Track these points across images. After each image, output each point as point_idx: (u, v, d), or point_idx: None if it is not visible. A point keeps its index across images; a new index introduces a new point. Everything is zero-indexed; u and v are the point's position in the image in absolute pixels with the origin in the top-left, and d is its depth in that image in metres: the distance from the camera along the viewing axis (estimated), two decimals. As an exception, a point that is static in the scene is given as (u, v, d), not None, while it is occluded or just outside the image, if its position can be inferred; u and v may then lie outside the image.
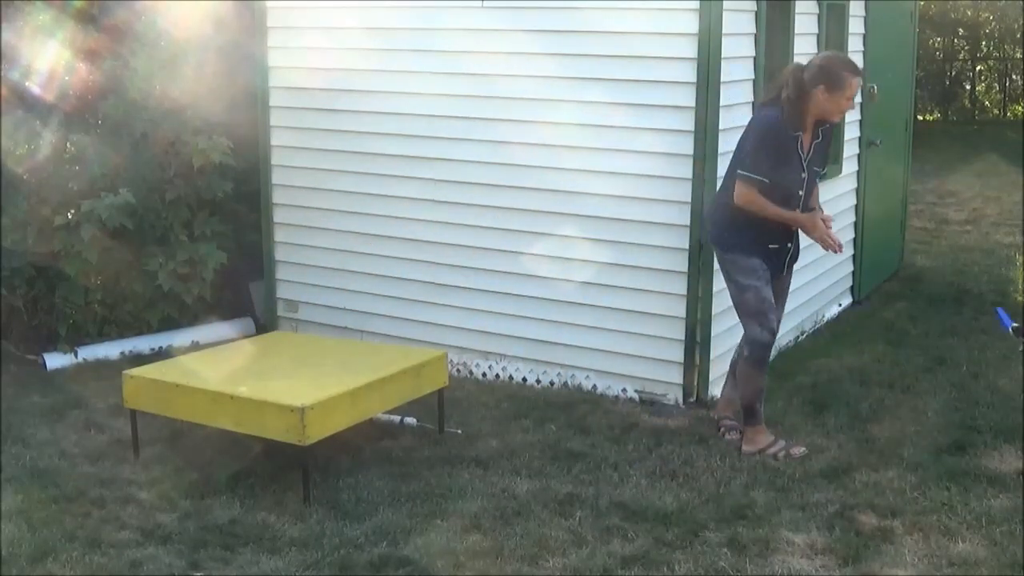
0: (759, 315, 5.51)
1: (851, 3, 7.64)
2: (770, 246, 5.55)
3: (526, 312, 6.69)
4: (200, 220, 7.44)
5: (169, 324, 7.45)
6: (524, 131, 6.50)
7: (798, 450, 5.57)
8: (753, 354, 5.58)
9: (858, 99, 8.07)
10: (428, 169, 6.84)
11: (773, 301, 5.57)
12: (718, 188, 5.77)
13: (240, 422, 5.26)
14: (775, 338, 5.61)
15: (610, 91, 6.22)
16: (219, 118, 7.21)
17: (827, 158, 5.78)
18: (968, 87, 21.36)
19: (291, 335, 7.02)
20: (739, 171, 5.39)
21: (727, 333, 6.46)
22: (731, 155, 5.67)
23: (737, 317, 5.69)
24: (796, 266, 7.75)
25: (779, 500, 5.10)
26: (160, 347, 7.30)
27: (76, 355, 7.13)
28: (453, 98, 6.70)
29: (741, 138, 5.57)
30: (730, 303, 6.44)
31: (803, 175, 5.46)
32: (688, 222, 6.13)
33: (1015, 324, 5.46)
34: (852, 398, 6.34)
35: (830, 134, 5.62)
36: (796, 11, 6.79)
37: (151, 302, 7.35)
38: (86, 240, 6.81)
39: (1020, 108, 20.91)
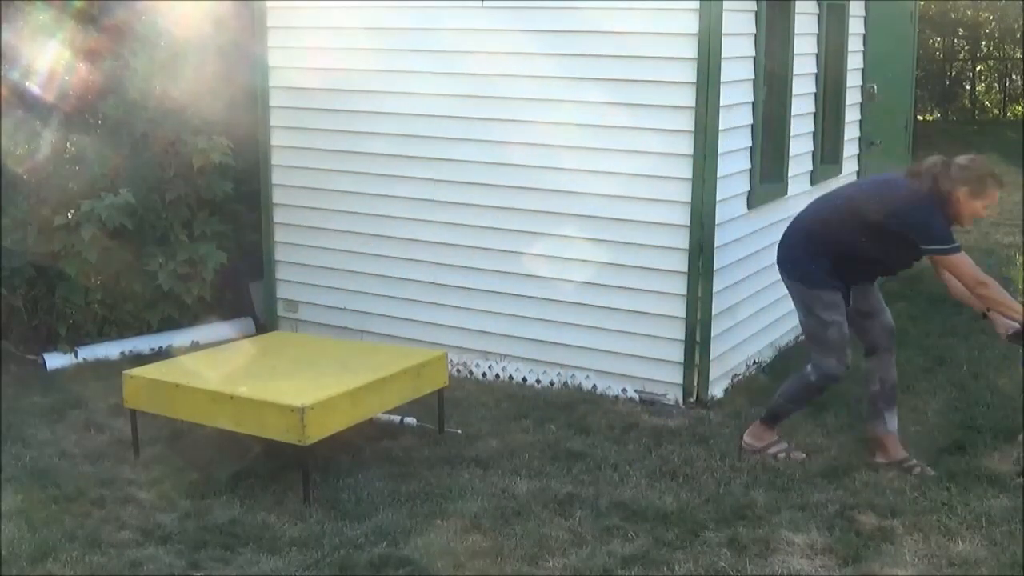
0: (839, 351, 5.35)
1: (851, 3, 7.64)
2: (850, 283, 5.40)
3: (526, 312, 6.69)
4: (200, 220, 7.44)
5: (169, 324, 7.45)
6: (524, 131, 6.50)
7: (798, 455, 5.55)
8: (820, 382, 5.43)
9: (858, 99, 8.10)
10: (428, 169, 6.84)
11: (849, 335, 5.39)
12: (794, 222, 5.53)
13: (240, 422, 5.26)
14: (848, 371, 5.44)
15: (610, 91, 6.21)
16: (219, 118, 7.21)
17: None
18: (968, 87, 21.35)
19: (291, 335, 7.02)
20: (942, 248, 5.11)
21: (727, 333, 6.46)
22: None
23: (811, 347, 5.46)
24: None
25: (779, 500, 5.10)
26: (160, 347, 7.30)
27: (76, 355, 7.13)
28: (453, 98, 6.70)
29: (883, 209, 5.17)
30: (730, 303, 6.47)
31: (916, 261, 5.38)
32: (688, 222, 6.13)
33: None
34: (852, 398, 6.32)
35: None
36: (796, 11, 6.79)
37: (151, 302, 7.35)
38: (86, 240, 6.81)
39: (1020, 108, 20.91)
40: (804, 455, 5.54)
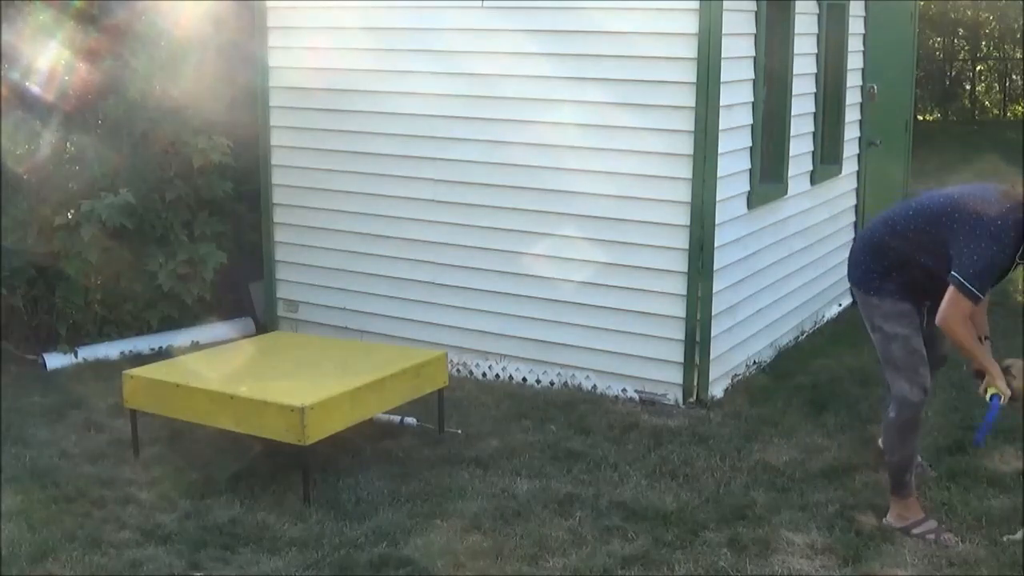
0: (908, 369, 4.74)
1: (851, 3, 7.64)
2: (920, 298, 4.83)
3: (526, 312, 6.68)
4: (200, 220, 7.44)
5: (169, 324, 7.45)
6: (524, 131, 6.50)
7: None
8: (902, 415, 4.75)
9: (858, 99, 8.10)
10: (428, 169, 6.84)
11: (924, 352, 4.81)
12: (864, 226, 5.09)
13: (240, 422, 5.26)
14: (928, 396, 4.83)
15: (610, 91, 6.21)
16: (219, 118, 7.21)
17: None
18: (968, 87, 21.36)
19: (291, 335, 7.02)
20: (961, 282, 4.51)
21: (727, 333, 6.46)
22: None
23: (886, 370, 4.87)
24: (799, 266, 7.73)
25: (779, 500, 5.10)
26: (160, 347, 7.30)
27: (76, 355, 7.13)
28: (453, 98, 6.70)
29: (965, 218, 4.55)
30: (730, 303, 6.46)
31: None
32: (688, 222, 6.13)
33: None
34: (852, 398, 6.34)
35: None
36: (796, 11, 6.79)
37: (151, 302, 7.35)
38: (86, 240, 6.81)
39: (1020, 108, 20.91)
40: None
